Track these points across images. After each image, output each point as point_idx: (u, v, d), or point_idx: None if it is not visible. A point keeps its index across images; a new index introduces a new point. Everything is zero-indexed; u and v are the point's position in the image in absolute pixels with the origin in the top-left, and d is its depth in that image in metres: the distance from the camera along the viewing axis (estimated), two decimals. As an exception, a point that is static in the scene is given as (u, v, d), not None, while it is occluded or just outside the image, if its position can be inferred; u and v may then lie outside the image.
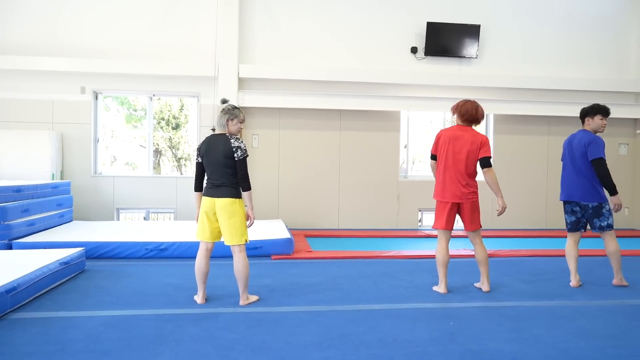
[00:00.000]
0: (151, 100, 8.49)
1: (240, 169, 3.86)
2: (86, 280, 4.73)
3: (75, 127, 8.02)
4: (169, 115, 11.36)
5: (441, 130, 4.42)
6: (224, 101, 4.07)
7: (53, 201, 6.74)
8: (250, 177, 3.99)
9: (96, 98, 8.23)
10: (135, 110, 10.74)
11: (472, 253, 6.13)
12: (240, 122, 4.00)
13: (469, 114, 4.31)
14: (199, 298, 4.04)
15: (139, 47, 8.07)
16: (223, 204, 3.84)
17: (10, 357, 2.88)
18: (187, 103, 10.15)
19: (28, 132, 7.68)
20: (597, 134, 4.63)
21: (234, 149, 3.85)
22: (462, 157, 4.23)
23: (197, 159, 4.05)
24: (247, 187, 3.92)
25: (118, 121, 9.86)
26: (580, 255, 6.16)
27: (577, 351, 3.11)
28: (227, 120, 3.95)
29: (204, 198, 3.94)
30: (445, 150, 4.28)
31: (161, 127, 11.13)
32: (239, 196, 3.91)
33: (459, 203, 4.28)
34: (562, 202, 4.80)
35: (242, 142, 3.92)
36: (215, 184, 3.89)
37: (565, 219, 4.79)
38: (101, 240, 5.80)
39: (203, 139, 4.07)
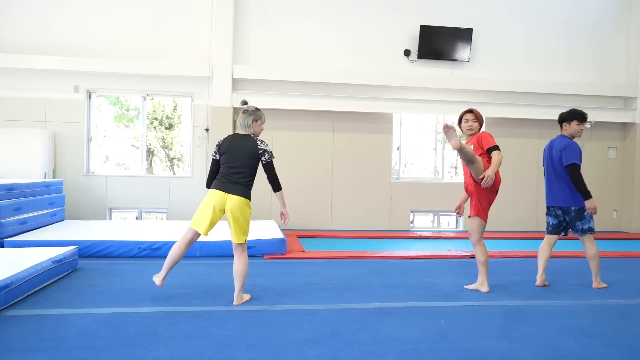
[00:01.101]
0: (145, 100, 8.49)
1: (270, 172, 4.01)
2: (79, 278, 4.74)
3: (68, 126, 8.01)
4: (162, 115, 11.35)
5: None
6: (244, 102, 4.23)
7: (45, 200, 6.73)
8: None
9: (89, 97, 8.22)
10: (128, 110, 10.72)
11: (464, 254, 6.22)
12: (263, 124, 4.13)
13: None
14: (158, 279, 3.98)
15: (134, 46, 8.08)
16: (236, 203, 3.87)
17: (6, 353, 2.89)
18: (181, 103, 10.15)
19: (21, 130, 7.65)
20: (575, 139, 4.71)
21: (260, 152, 3.95)
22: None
23: (214, 155, 4.08)
24: (279, 188, 4.07)
25: (110, 121, 9.84)
26: (570, 257, 6.26)
27: (565, 349, 3.17)
28: (253, 122, 4.06)
29: (214, 191, 3.92)
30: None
31: (154, 127, 11.11)
32: (249, 197, 3.98)
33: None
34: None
35: (267, 145, 4.03)
36: (231, 180, 3.92)
37: (547, 221, 4.86)
38: (94, 239, 5.80)
39: (219, 137, 4.25)
